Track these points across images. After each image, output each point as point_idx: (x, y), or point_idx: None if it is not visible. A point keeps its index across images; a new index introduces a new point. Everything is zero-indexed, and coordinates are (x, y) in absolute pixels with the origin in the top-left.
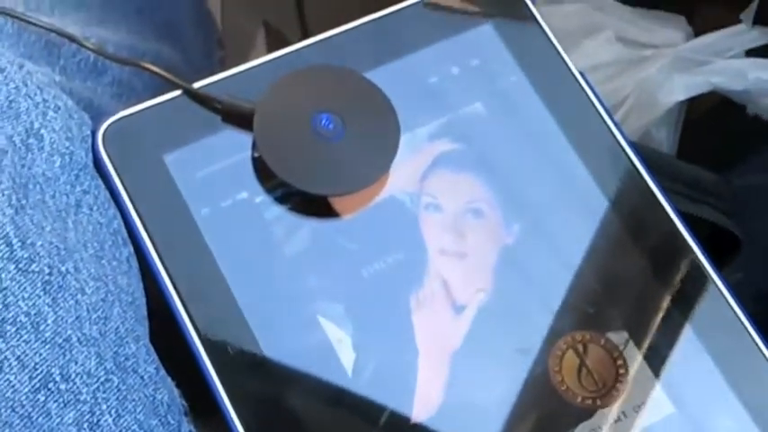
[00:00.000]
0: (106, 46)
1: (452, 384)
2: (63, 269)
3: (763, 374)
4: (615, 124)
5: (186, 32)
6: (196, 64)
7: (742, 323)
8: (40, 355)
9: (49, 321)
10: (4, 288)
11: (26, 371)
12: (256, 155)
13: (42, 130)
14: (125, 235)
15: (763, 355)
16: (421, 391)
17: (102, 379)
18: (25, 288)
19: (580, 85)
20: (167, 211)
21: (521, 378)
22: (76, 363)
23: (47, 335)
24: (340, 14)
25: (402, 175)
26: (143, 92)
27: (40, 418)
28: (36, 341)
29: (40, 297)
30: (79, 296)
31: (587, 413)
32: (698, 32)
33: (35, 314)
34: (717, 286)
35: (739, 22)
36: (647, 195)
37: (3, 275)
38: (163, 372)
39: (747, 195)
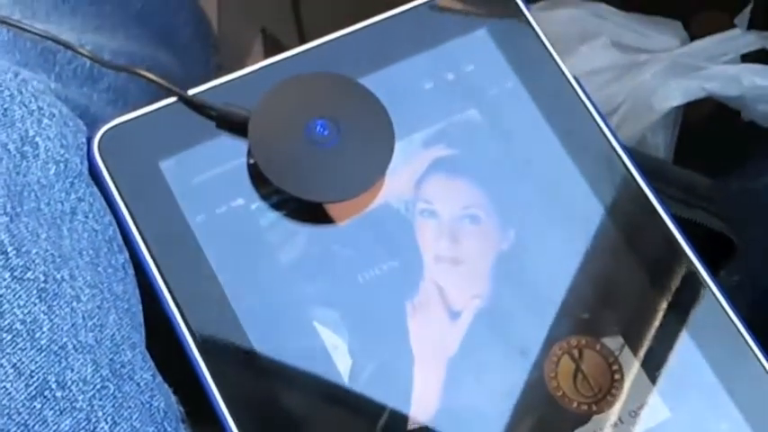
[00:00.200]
0: (102, 53)
1: (448, 390)
2: (58, 277)
3: (759, 378)
4: (610, 130)
5: (183, 38)
6: (193, 70)
7: (737, 328)
8: (36, 362)
9: (45, 329)
10: (0, 296)
11: (22, 378)
12: (251, 161)
13: (37, 138)
14: (121, 242)
15: (759, 359)
16: (417, 397)
17: (98, 386)
18: (20, 296)
19: (575, 90)
20: (163, 218)
21: (517, 384)
22: (72, 370)
23: (42, 342)
24: (337, 20)
25: (397, 182)
26: (139, 98)
27: (37, 426)
28: (32, 349)
29: (35, 305)
30: (75, 303)
31: (583, 418)
32: (694, 37)
33: (31, 322)
34: (712, 291)
35: (735, 26)
36: (642, 200)
37: None
38: (159, 378)
39: (744, 200)
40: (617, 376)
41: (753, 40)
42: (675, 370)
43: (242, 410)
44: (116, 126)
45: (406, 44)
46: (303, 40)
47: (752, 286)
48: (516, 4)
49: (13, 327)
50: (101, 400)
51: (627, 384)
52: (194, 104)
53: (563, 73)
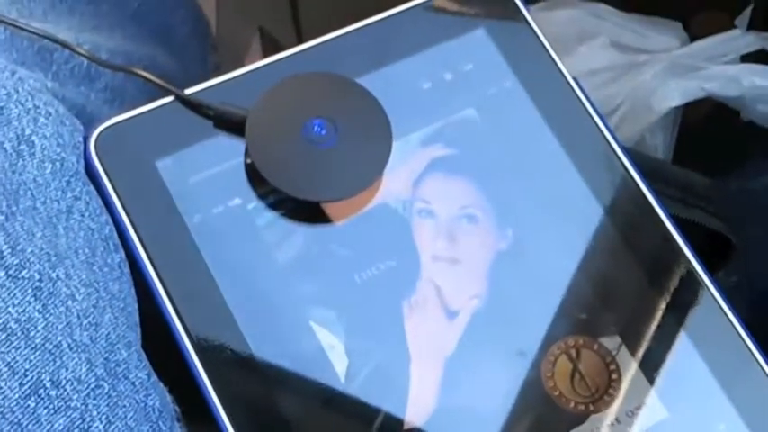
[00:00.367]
0: (99, 52)
1: (445, 390)
2: (53, 275)
3: (756, 378)
4: (608, 130)
5: (181, 38)
6: (191, 70)
7: (735, 328)
8: (30, 361)
9: (40, 327)
10: None
11: (16, 377)
12: (248, 161)
13: (33, 137)
14: (117, 241)
15: (756, 359)
16: (414, 397)
17: (92, 385)
18: (15, 294)
19: (573, 90)
20: (159, 218)
21: (514, 384)
22: (67, 369)
23: (37, 341)
24: (335, 20)
25: (395, 181)
26: (136, 98)
27: (30, 425)
28: (26, 347)
29: (30, 303)
30: (70, 302)
31: (580, 418)
32: (693, 38)
33: (25, 320)
34: (710, 291)
35: (734, 27)
36: (641, 200)
37: None
38: (154, 377)
39: (743, 200)
40: (614, 376)
41: (752, 41)
42: (673, 370)
43: (238, 410)
44: (113, 125)
45: (404, 44)
46: (301, 40)
47: (750, 287)
48: (515, 3)
49: (8, 325)
50: (95, 399)
51: (624, 384)
52: (191, 104)
53: (562, 73)
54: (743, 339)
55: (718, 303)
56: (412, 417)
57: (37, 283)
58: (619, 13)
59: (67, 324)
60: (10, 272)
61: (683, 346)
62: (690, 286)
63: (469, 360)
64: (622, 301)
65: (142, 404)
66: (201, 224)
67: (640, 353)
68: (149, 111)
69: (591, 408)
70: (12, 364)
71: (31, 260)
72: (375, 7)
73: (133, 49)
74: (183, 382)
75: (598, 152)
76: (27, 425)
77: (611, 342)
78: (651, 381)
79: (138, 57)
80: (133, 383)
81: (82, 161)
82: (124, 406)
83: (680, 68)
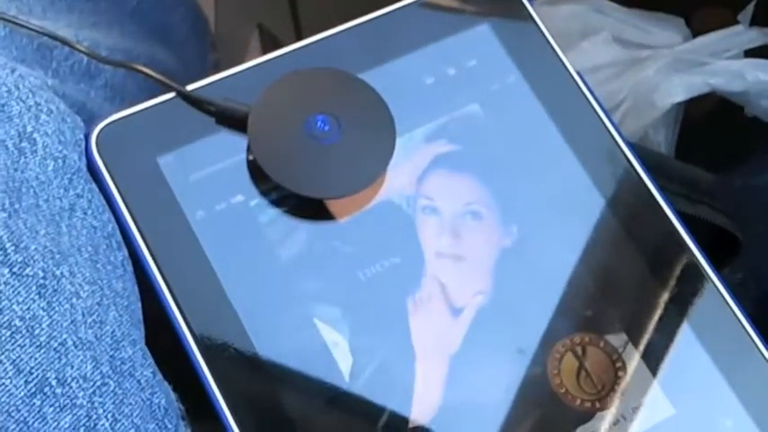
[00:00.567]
0: (99, 49)
1: (450, 387)
2: (57, 273)
3: (763, 375)
4: (613, 125)
5: (180, 36)
6: (190, 67)
7: (741, 324)
8: (36, 359)
9: (44, 325)
10: None
11: (21, 375)
12: (251, 158)
13: (35, 134)
14: (120, 239)
15: (763, 355)
16: (418, 395)
17: (98, 383)
18: (19, 292)
19: (578, 85)
20: (162, 215)
21: (519, 381)
22: (72, 367)
23: (42, 339)
24: (334, 17)
25: (399, 178)
26: (137, 95)
27: (36, 423)
28: (31, 345)
29: (34, 301)
30: (74, 300)
31: (586, 416)
32: (696, 33)
33: (30, 318)
34: (716, 287)
35: (737, 22)
36: (646, 196)
37: None
38: (159, 376)
39: (748, 197)
40: (620, 373)
41: (756, 36)
42: (680, 367)
43: (242, 407)
44: (114, 122)
45: (407, 39)
46: (300, 37)
47: (756, 284)
48: None
49: (12, 323)
50: (101, 396)
51: (630, 381)
52: (193, 100)
53: (566, 68)
54: (750, 336)
55: (724, 299)
56: (417, 414)
57: (41, 281)
58: (621, 8)
59: (72, 322)
60: (14, 269)
61: (689, 343)
62: (696, 282)
63: (474, 357)
64: (628, 297)
65: (148, 402)
66: (204, 221)
67: (646, 350)
68: (150, 107)
69: (597, 405)
70: (17, 362)
71: (35, 258)
72: (373, 4)
73: (132, 47)
74: (187, 380)
75: (603, 147)
76: (33, 423)
77: (617, 339)
78: (657, 377)
79: (137, 54)
80: (139, 381)
81: (84, 158)
82: (130, 404)
83: (683, 64)
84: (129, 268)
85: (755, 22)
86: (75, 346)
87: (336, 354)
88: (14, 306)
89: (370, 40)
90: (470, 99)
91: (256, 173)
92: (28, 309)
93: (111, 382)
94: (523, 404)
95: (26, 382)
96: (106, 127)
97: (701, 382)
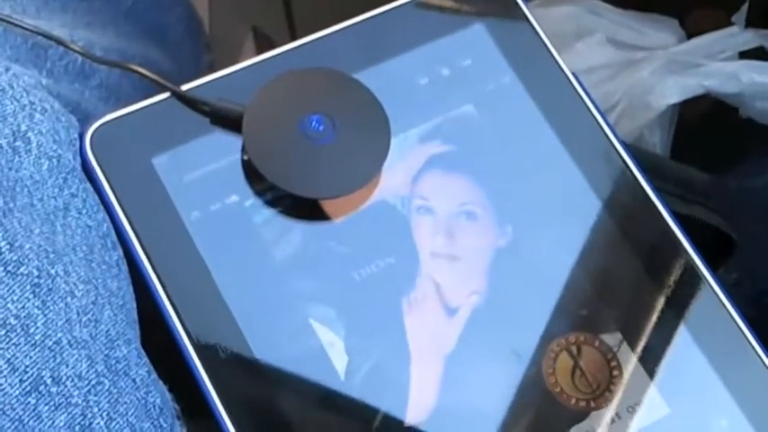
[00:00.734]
0: (93, 49)
1: (446, 387)
2: (52, 272)
3: (759, 374)
4: (608, 125)
5: (174, 37)
6: (184, 68)
7: (736, 324)
8: (31, 357)
9: (39, 324)
10: None
11: (16, 374)
12: (246, 158)
13: (29, 133)
14: (114, 239)
15: (758, 354)
16: (414, 394)
17: (93, 382)
18: (14, 291)
19: (573, 85)
20: (157, 215)
21: (514, 380)
22: (67, 365)
23: (37, 338)
24: (329, 18)
25: (393, 178)
26: (132, 95)
27: (31, 422)
28: (26, 344)
29: (29, 300)
30: (69, 299)
31: (581, 415)
32: (690, 35)
33: (25, 317)
34: (711, 287)
35: (732, 24)
36: (641, 196)
37: None
38: (155, 375)
39: (743, 198)
40: (615, 372)
41: (750, 38)
42: (674, 366)
43: (237, 407)
44: (108, 122)
45: (402, 39)
46: (294, 38)
47: (751, 284)
48: None
49: (7, 322)
50: (96, 395)
51: (625, 381)
52: (188, 100)
53: (561, 68)
54: (745, 335)
55: (719, 299)
56: (412, 414)
57: (36, 280)
58: (615, 9)
59: (67, 321)
60: (8, 268)
61: (684, 342)
62: (691, 282)
63: (470, 357)
64: (623, 297)
65: (143, 401)
66: (199, 221)
67: (641, 349)
68: (145, 107)
69: (592, 404)
70: (12, 360)
71: (30, 256)
72: (368, 5)
73: (127, 47)
74: (183, 379)
75: (598, 148)
76: (28, 421)
77: (611, 338)
78: (652, 377)
79: (132, 54)
80: (134, 380)
81: (78, 158)
82: (125, 403)
83: (678, 65)
84: (124, 268)
85: (750, 23)
86: (70, 345)
87: (332, 353)
88: (9, 305)
89: (365, 40)
90: (465, 99)
91: (251, 173)
92: (23, 307)
93: (106, 381)
94: (518, 404)
95: (21, 380)
96: (101, 127)
97: (696, 381)
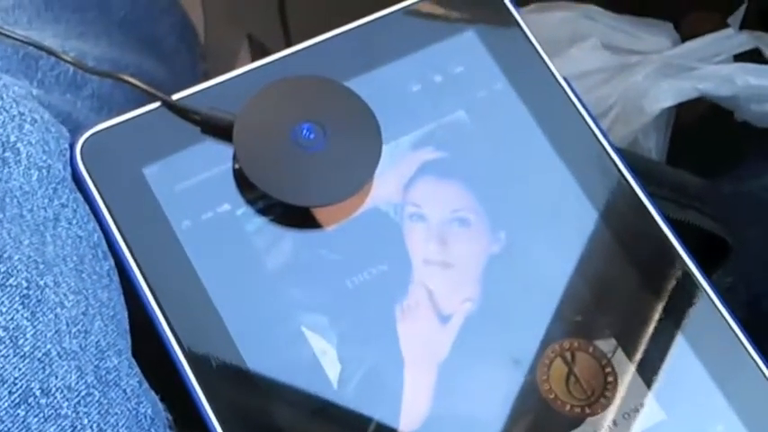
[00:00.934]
0: (85, 59)
1: (439, 395)
2: (41, 283)
3: (753, 379)
4: (601, 130)
5: (168, 46)
6: (179, 77)
7: (731, 328)
8: (20, 369)
9: (28, 335)
10: None
11: (5, 386)
12: (237, 166)
13: (19, 144)
14: (105, 249)
15: (753, 359)
16: (407, 402)
17: (83, 393)
18: (3, 302)
19: (565, 91)
20: (147, 225)
21: (509, 387)
22: (57, 377)
23: (26, 349)
24: (324, 26)
25: (386, 185)
26: (124, 105)
27: None
28: (15, 356)
29: (18, 311)
30: (58, 310)
31: (576, 421)
32: (685, 38)
33: (13, 328)
34: (706, 291)
35: (727, 26)
36: (634, 201)
37: None
38: (146, 385)
39: (739, 202)
40: (610, 378)
41: (745, 41)
42: (670, 371)
43: (230, 417)
44: (99, 132)
45: (394, 46)
46: (290, 46)
47: (746, 288)
48: (505, 5)
49: None
50: (86, 407)
51: (620, 386)
52: (178, 109)
53: (553, 74)
54: (740, 340)
55: (714, 304)
56: (406, 422)
57: (24, 291)
58: (610, 14)
59: (56, 332)
60: None
61: (679, 347)
62: (685, 287)
63: (463, 364)
64: (617, 302)
65: (134, 412)
66: (190, 231)
67: (636, 355)
68: (136, 117)
69: (587, 411)
70: (0, 372)
71: (19, 268)
72: (365, 12)
73: (120, 57)
74: (174, 389)
75: (591, 153)
76: None
77: (606, 344)
78: (648, 383)
79: (125, 64)
80: (124, 391)
81: (68, 168)
82: (116, 414)
83: (672, 69)
84: (115, 278)
85: (745, 26)
86: (60, 357)
87: (324, 362)
88: None
89: (356, 47)
90: (457, 106)
91: (242, 182)
92: (11, 319)
93: (96, 392)
94: (513, 410)
95: (10, 392)
96: (91, 137)
97: (691, 386)
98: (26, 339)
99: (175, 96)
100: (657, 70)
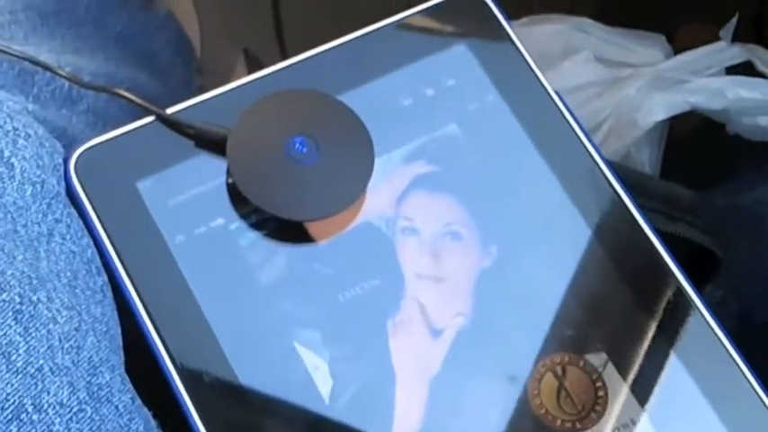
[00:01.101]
0: (81, 74)
1: (431, 409)
2: (34, 298)
3: (744, 393)
4: (592, 144)
5: (164, 61)
6: (175, 92)
7: (722, 343)
8: (12, 385)
9: (21, 351)
10: None
11: None
12: (231, 181)
13: (13, 159)
14: (99, 264)
15: (743, 374)
16: (399, 417)
17: (75, 409)
18: None
19: (556, 104)
20: (141, 240)
21: (499, 402)
22: (49, 393)
23: (18, 365)
24: (320, 40)
25: (378, 199)
26: (120, 119)
27: None
28: (7, 371)
29: (11, 327)
30: (51, 325)
31: None
32: (679, 50)
33: (6, 344)
34: (696, 306)
35: (720, 38)
36: (625, 215)
37: None
38: (138, 401)
39: (731, 215)
40: (601, 393)
41: (737, 53)
42: (660, 386)
43: None
44: (93, 146)
45: (386, 60)
46: (286, 59)
47: (738, 301)
48: (497, 18)
49: None
50: (78, 423)
51: (611, 401)
52: (172, 123)
53: (544, 87)
54: (731, 355)
55: (704, 318)
56: None
57: (18, 306)
58: (603, 27)
59: (49, 347)
60: None
61: (669, 361)
62: (676, 301)
63: (455, 379)
64: (608, 317)
65: (126, 428)
66: (184, 245)
67: (627, 369)
68: (130, 131)
69: (578, 426)
70: None
71: (12, 283)
72: (361, 23)
73: (115, 72)
74: (167, 405)
75: (582, 167)
76: None
77: (597, 359)
78: (638, 397)
79: (121, 79)
80: (117, 407)
81: (62, 183)
82: (108, 430)
83: (664, 82)
84: (109, 294)
85: (737, 38)
86: (52, 372)
87: (316, 377)
88: None
89: (349, 61)
90: (449, 119)
91: (236, 196)
92: (4, 334)
93: (88, 409)
94: (504, 426)
95: (2, 408)
96: (85, 152)
97: (682, 401)
98: (18, 355)
99: (170, 110)
100: (650, 83)
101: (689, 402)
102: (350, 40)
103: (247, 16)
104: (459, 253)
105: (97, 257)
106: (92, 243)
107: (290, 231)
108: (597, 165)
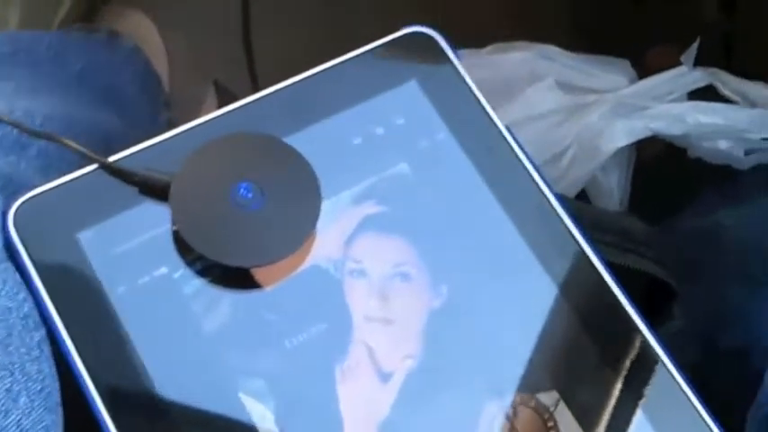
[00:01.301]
0: (33, 117)
1: None
2: None
3: (694, 426)
4: (543, 179)
5: (129, 96)
6: (140, 127)
7: (672, 376)
8: None
9: None
10: None
11: None
12: (174, 228)
13: None
14: (37, 318)
15: (694, 407)
16: None
17: None
18: None
19: (506, 140)
20: (81, 292)
21: None
22: None
23: None
24: (292, 71)
25: (326, 241)
26: (74, 161)
27: None
28: None
29: None
30: None
31: None
32: (647, 72)
33: None
34: (647, 341)
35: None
36: (576, 250)
37: None
38: None
39: (695, 238)
40: None
41: (700, 77)
42: (612, 423)
43: None
44: (33, 197)
45: (336, 99)
46: (257, 91)
47: (701, 328)
48: (445, 54)
49: None
50: None
51: None
52: (115, 171)
53: (494, 123)
54: (681, 388)
55: (656, 353)
56: None
57: None
58: (567, 53)
59: None
60: None
61: (621, 397)
62: (627, 336)
63: (403, 423)
64: (559, 354)
65: None
66: (125, 296)
67: (579, 407)
68: (72, 180)
69: None
70: None
71: None
72: (334, 56)
73: (73, 112)
74: None
75: (533, 203)
76: None
77: (548, 397)
78: None
79: (78, 119)
80: None
81: (1, 236)
82: None
83: (626, 108)
84: (47, 349)
85: (699, 62)
86: None
87: (263, 428)
88: None
89: (298, 101)
90: (399, 158)
91: (180, 244)
92: None
93: None
94: None
95: None
96: (25, 203)
97: None
98: None
99: (112, 158)
100: (612, 110)
101: None
102: (297, 82)
103: (216, 47)
104: (409, 294)
105: (35, 312)
106: (29, 297)
107: (236, 278)
108: (548, 200)
